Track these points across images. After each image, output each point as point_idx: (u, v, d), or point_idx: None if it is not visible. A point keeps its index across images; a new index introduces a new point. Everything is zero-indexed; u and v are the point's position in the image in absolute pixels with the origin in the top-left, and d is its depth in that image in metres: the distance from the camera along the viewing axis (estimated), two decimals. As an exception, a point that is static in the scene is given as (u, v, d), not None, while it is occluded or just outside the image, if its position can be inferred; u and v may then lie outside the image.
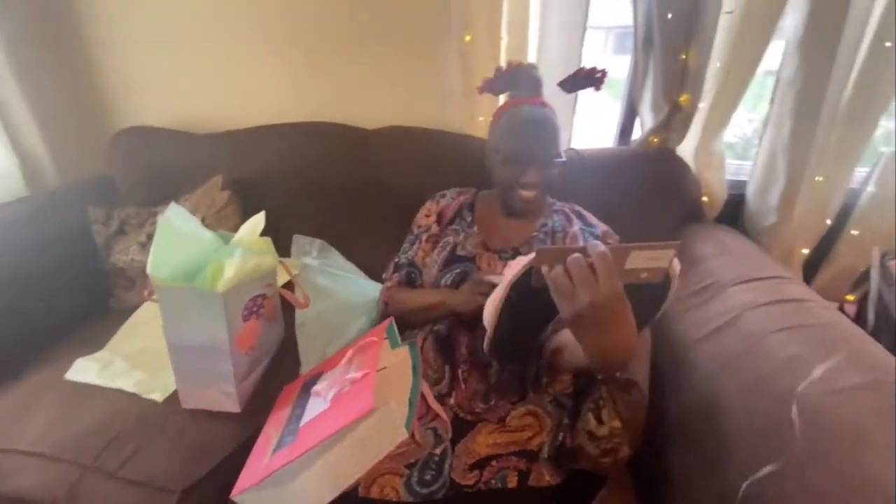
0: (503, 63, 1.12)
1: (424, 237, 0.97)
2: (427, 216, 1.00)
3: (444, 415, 0.81)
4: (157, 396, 0.91)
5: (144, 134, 1.33)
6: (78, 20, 1.32)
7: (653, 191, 1.16)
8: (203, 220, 1.24)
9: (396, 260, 1.00)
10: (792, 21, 0.97)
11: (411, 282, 0.96)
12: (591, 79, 0.90)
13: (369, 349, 0.77)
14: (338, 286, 1.16)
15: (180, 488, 0.75)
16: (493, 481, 0.78)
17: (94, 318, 1.18)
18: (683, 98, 1.09)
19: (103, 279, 1.25)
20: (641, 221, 1.16)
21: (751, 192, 1.19)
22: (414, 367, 0.74)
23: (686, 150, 1.19)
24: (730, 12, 0.99)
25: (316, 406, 0.73)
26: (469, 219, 0.97)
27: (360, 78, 1.30)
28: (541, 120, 0.85)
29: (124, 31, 1.33)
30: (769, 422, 0.67)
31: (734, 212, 1.24)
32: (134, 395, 0.91)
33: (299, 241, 1.27)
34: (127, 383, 0.94)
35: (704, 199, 1.20)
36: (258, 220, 0.91)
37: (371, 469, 0.73)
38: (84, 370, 0.98)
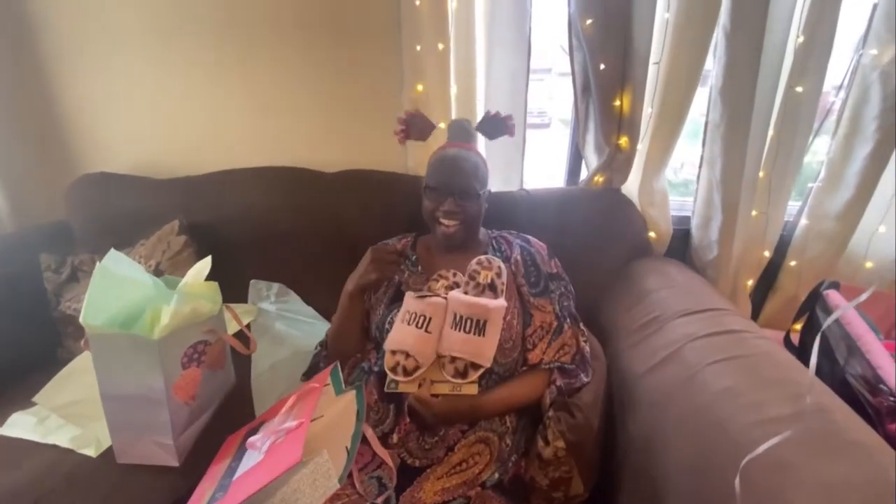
0: (453, 114, 1.19)
1: None
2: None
3: (389, 461, 0.79)
4: (91, 452, 0.87)
5: (102, 180, 1.33)
6: (40, 68, 1.35)
7: (601, 227, 1.21)
8: (158, 265, 1.24)
9: None
10: (714, 70, 1.05)
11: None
12: (503, 124, 0.99)
13: (308, 397, 0.76)
14: (295, 331, 1.16)
15: (105, 552, 0.71)
16: None
17: (39, 369, 1.13)
18: (622, 141, 1.15)
19: (52, 328, 1.21)
20: (591, 257, 1.19)
21: (694, 226, 1.24)
22: (358, 414, 0.73)
23: (630, 188, 1.24)
24: (657, 63, 1.07)
25: (251, 458, 0.71)
26: (413, 257, 0.99)
27: (318, 123, 1.34)
28: (460, 157, 0.92)
29: (85, 81, 1.36)
30: (703, 454, 0.68)
31: (682, 246, 1.29)
32: (69, 451, 0.87)
33: (256, 286, 1.27)
34: (62, 438, 0.90)
35: (651, 234, 1.25)
36: (204, 265, 0.91)
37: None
38: (19, 425, 0.94)
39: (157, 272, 1.22)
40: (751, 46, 0.97)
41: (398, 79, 1.19)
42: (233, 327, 1.00)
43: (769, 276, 1.27)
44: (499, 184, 1.29)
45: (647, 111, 1.13)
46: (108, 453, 0.86)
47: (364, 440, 0.75)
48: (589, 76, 1.10)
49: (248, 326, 1.12)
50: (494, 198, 1.23)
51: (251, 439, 0.72)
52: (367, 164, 1.28)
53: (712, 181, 1.13)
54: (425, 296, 0.86)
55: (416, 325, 0.84)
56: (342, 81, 1.29)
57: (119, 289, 0.80)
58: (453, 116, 1.21)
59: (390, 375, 0.82)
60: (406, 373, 0.81)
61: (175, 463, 0.84)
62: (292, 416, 0.73)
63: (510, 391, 0.85)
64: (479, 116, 1.23)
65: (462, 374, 0.80)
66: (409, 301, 0.87)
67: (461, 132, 0.98)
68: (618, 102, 1.11)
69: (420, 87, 1.17)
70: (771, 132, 1.09)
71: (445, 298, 0.86)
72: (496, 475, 0.80)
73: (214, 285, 0.91)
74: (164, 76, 1.34)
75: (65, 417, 0.93)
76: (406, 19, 1.10)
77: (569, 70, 1.15)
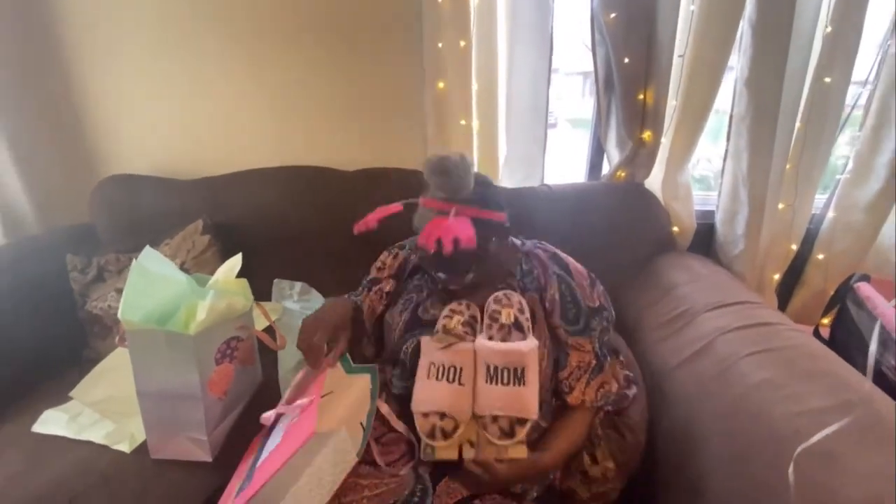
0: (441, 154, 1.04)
1: (374, 289, 0.93)
2: (380, 269, 0.95)
3: (407, 433, 0.79)
4: (126, 447, 0.87)
5: (126, 182, 1.34)
6: (64, 71, 1.37)
7: (623, 222, 1.20)
8: (183, 265, 1.25)
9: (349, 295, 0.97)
10: (739, 61, 1.05)
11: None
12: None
13: (316, 375, 0.78)
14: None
15: (143, 547, 0.71)
16: None
17: (67, 368, 1.15)
18: (646, 135, 1.15)
19: (78, 328, 1.23)
20: (614, 252, 1.19)
21: (718, 221, 1.23)
22: (372, 392, 0.76)
23: (653, 183, 1.24)
24: (681, 56, 1.07)
25: (271, 444, 0.72)
26: (421, 276, 0.90)
27: (338, 122, 1.35)
28: (443, 238, 0.70)
29: (110, 82, 1.38)
30: (744, 446, 0.67)
31: (706, 241, 1.28)
32: (103, 447, 0.88)
33: (280, 285, 1.27)
34: (96, 435, 0.90)
35: (675, 229, 1.24)
36: (235, 262, 0.92)
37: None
38: (52, 422, 0.95)
39: (183, 271, 1.22)
40: (777, 37, 0.97)
41: (419, 76, 1.19)
42: (260, 324, 1.01)
43: (795, 270, 1.26)
44: (520, 180, 1.29)
45: (671, 104, 1.13)
46: (141, 449, 0.86)
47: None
48: (612, 70, 1.09)
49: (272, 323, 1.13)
50: (516, 193, 1.23)
51: (274, 428, 0.74)
52: (387, 162, 1.28)
53: (738, 175, 1.12)
54: (449, 343, 0.76)
55: (447, 379, 0.74)
56: (363, 79, 1.30)
57: (154, 286, 0.81)
58: (475, 114, 1.21)
59: (426, 440, 0.72)
60: (444, 435, 0.72)
61: (208, 458, 0.85)
62: (304, 394, 0.74)
63: (567, 440, 0.77)
64: (502, 115, 1.24)
65: (508, 433, 0.70)
66: (432, 352, 0.77)
67: (448, 185, 0.73)
68: (641, 96, 1.10)
69: (441, 85, 1.17)
70: (798, 124, 1.08)
71: (471, 340, 0.77)
72: (534, 493, 0.79)
73: (245, 282, 0.92)
74: (185, 79, 1.35)
75: (99, 413, 0.94)
76: (427, 16, 1.11)
77: (577, 70, 1.15)
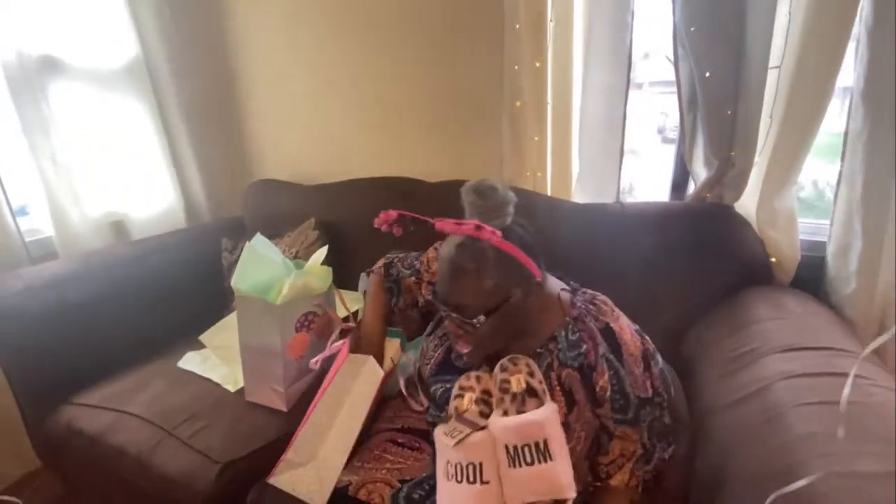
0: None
1: (414, 280, 0.98)
2: (427, 269, 0.97)
3: (416, 406, 0.88)
4: (231, 388, 1.13)
5: (267, 185, 1.71)
6: (234, 94, 1.79)
7: (706, 248, 1.10)
8: (297, 253, 1.53)
9: (388, 262, 1.02)
10: (854, 71, 0.90)
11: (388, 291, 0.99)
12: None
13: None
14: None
15: (223, 461, 0.93)
16: None
17: (212, 323, 1.50)
18: (735, 153, 1.05)
19: (224, 294, 1.59)
20: (691, 279, 1.11)
21: (830, 254, 1.05)
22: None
23: (746, 206, 1.12)
24: (777, 67, 0.96)
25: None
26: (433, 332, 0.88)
27: (427, 137, 1.52)
28: (457, 264, 0.68)
29: (266, 106, 1.77)
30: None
31: (816, 276, 1.10)
32: (217, 385, 1.15)
33: (365, 279, 1.47)
34: (215, 375, 1.18)
35: (773, 259, 1.09)
36: (321, 253, 1.11)
37: (365, 475, 0.82)
38: (191, 361, 1.26)
39: (296, 257, 1.51)
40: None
41: (499, 95, 1.28)
42: (341, 311, 1.19)
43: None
44: (592, 196, 1.28)
45: (766, 121, 1.01)
46: (241, 391, 1.11)
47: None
48: (695, 86, 1.04)
49: (355, 312, 1.32)
50: (583, 210, 1.23)
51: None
52: (465, 174, 1.38)
53: (851, 201, 0.95)
54: (462, 437, 0.68)
55: (468, 480, 0.67)
56: (449, 99, 1.45)
57: (260, 264, 1.03)
58: (549, 131, 1.25)
59: None
60: None
61: (284, 408, 1.05)
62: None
63: None
64: (576, 131, 1.25)
65: None
66: (446, 450, 0.70)
67: (478, 205, 0.69)
68: (729, 112, 1.02)
69: (518, 104, 1.24)
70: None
71: (485, 423, 0.70)
72: None
73: (327, 269, 1.10)
74: (316, 107, 1.67)
75: (219, 357, 1.23)
76: (507, 40, 1.19)
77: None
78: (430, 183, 1.45)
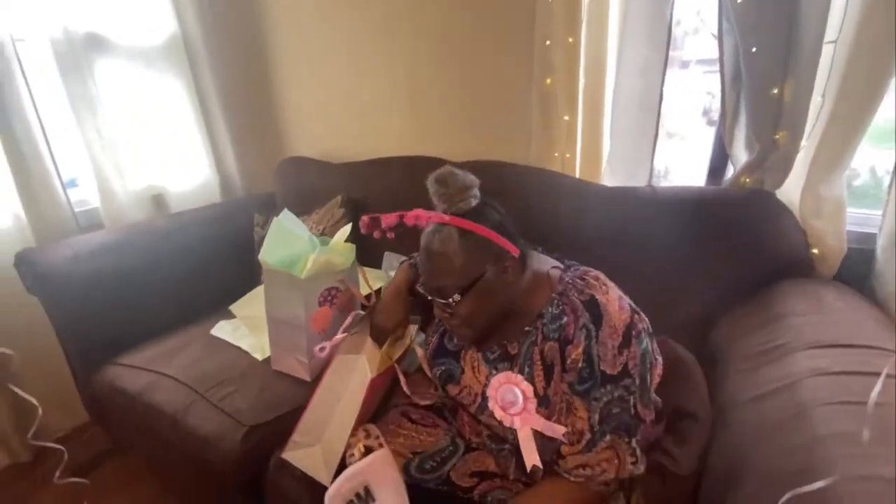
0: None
1: None
2: None
3: (418, 400, 0.90)
4: (259, 356, 1.18)
5: (297, 162, 1.74)
6: (267, 75, 1.82)
7: (741, 237, 1.05)
8: (324, 230, 1.57)
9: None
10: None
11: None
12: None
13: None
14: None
15: (249, 424, 0.99)
16: (489, 497, 0.82)
17: (243, 293, 1.56)
18: (780, 136, 0.98)
19: (255, 267, 1.64)
20: (725, 269, 1.06)
21: (880, 247, 0.98)
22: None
23: (789, 193, 1.05)
24: (833, 41, 0.88)
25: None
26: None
27: (453, 116, 1.50)
28: (434, 249, 0.71)
29: (297, 85, 1.79)
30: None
31: (864, 270, 1.03)
32: (246, 353, 1.21)
33: (389, 258, 1.49)
34: (244, 343, 1.24)
35: (815, 251, 1.03)
36: (346, 231, 1.13)
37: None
38: (222, 329, 1.33)
39: (323, 234, 1.54)
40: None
41: (529, 73, 1.24)
42: (364, 289, 1.21)
43: None
44: (623, 179, 1.23)
45: (817, 101, 0.94)
46: (268, 360, 1.16)
47: None
48: (740, 62, 0.97)
49: (378, 290, 1.34)
50: (611, 194, 1.18)
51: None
52: (492, 154, 1.37)
53: (907, 190, 0.88)
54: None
55: None
56: (477, 77, 1.41)
57: (287, 239, 1.06)
58: (580, 110, 1.20)
59: None
60: None
61: (307, 378, 1.09)
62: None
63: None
64: (608, 111, 1.20)
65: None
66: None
67: (441, 193, 0.73)
68: (776, 90, 0.95)
69: (548, 81, 1.20)
70: None
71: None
72: None
73: (351, 246, 1.12)
74: (345, 87, 1.68)
75: (248, 327, 1.28)
76: (539, 14, 1.14)
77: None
78: (457, 162, 1.43)
